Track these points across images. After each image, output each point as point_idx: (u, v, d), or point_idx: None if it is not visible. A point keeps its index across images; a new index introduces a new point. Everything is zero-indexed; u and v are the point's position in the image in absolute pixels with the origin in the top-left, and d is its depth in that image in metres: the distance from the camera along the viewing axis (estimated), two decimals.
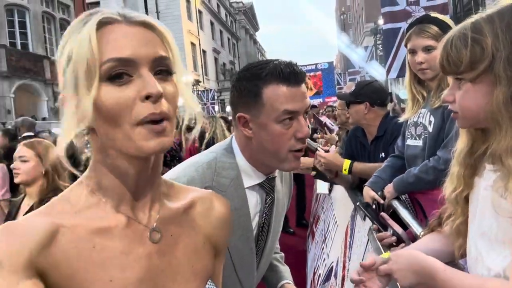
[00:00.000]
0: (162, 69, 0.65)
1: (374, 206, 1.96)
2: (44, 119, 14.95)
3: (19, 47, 17.51)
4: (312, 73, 22.79)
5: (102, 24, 0.62)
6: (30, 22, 17.98)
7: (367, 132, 2.59)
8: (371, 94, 2.50)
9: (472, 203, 0.98)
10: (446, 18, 1.83)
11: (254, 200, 1.16)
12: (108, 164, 0.68)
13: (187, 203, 0.79)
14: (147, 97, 0.61)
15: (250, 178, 1.15)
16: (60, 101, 0.65)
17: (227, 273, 1.07)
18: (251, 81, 1.07)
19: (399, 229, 1.61)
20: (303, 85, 1.08)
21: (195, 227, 0.78)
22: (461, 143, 1.00)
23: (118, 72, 0.61)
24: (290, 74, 1.05)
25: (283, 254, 1.53)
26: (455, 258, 1.05)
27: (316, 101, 19.39)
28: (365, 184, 2.11)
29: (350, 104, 2.56)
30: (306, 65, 23.43)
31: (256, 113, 1.07)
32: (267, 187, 1.18)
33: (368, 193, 2.03)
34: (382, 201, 1.95)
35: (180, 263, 0.73)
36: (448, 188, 1.03)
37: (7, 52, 15.90)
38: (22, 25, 17.86)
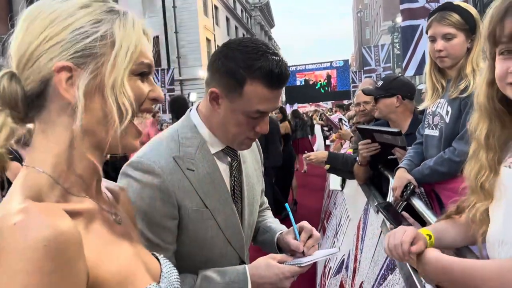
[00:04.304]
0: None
1: (395, 200, 1.92)
2: None
3: None
4: (326, 71, 22.60)
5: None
6: None
7: (394, 127, 2.51)
8: (402, 87, 2.48)
9: (498, 190, 0.95)
10: (469, 7, 1.80)
11: (223, 165, 1.24)
12: (78, 153, 0.68)
13: (110, 191, 0.87)
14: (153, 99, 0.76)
15: (213, 145, 1.21)
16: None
17: (214, 233, 1.16)
18: (240, 67, 1.08)
19: (418, 226, 1.59)
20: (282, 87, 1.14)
21: (124, 208, 0.88)
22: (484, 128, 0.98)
23: (145, 71, 0.75)
24: (276, 79, 1.09)
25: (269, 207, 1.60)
26: (477, 244, 1.03)
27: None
28: (400, 165, 2.04)
29: (380, 98, 2.51)
30: (321, 63, 23.24)
31: (232, 98, 1.12)
32: (230, 153, 1.25)
33: (405, 176, 1.93)
34: (418, 188, 1.88)
35: (135, 238, 0.84)
36: (472, 172, 1.00)
37: None
38: None
